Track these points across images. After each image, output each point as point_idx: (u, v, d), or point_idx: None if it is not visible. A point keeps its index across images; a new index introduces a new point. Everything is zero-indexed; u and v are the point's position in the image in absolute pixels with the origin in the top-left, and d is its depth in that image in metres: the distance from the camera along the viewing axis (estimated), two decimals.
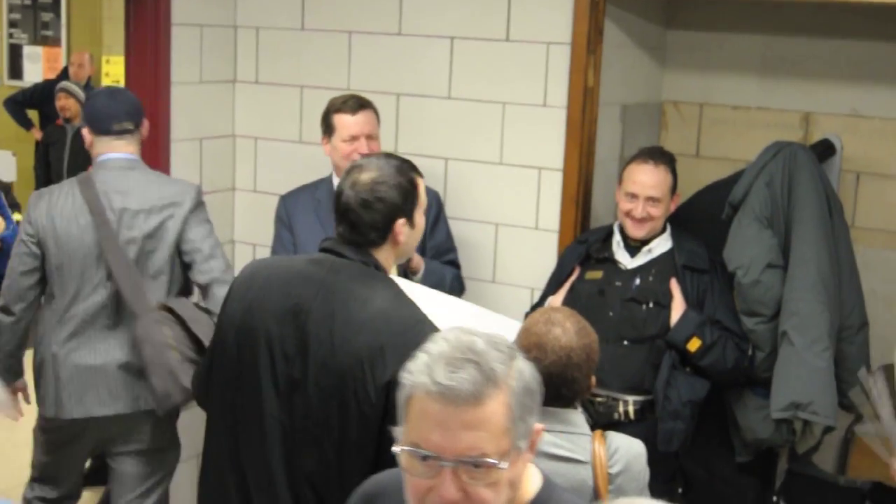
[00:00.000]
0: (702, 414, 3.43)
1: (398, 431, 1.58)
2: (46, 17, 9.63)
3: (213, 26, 4.19)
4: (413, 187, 2.54)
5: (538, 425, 1.62)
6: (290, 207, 3.69)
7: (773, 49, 4.17)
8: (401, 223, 2.50)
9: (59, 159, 7.60)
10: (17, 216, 5.05)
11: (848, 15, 3.94)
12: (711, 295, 3.49)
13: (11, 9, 9.68)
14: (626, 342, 3.43)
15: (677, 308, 3.42)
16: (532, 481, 1.69)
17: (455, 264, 3.70)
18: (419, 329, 2.28)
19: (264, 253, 4.01)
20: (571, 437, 2.38)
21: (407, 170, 2.56)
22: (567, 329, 2.44)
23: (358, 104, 3.57)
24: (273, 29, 4.21)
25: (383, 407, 2.29)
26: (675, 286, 3.45)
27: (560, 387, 2.40)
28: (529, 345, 2.41)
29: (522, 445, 1.57)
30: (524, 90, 3.80)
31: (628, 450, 2.38)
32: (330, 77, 4.11)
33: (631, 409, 3.40)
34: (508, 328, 2.98)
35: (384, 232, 2.49)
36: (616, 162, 4.02)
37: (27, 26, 9.67)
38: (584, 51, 3.67)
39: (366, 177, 2.48)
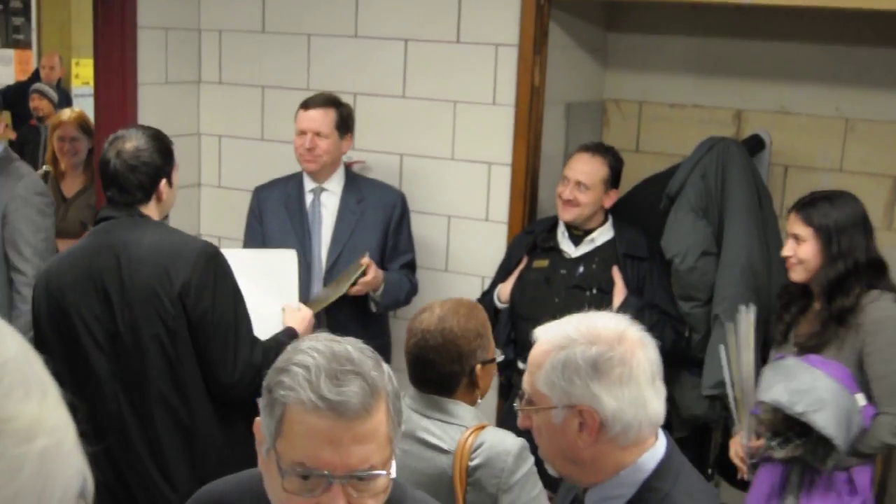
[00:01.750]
0: None
1: (265, 450, 1.50)
2: (17, 21, 9.68)
3: (178, 29, 4.29)
4: (169, 152, 2.84)
5: None
6: (262, 199, 3.79)
7: (707, 50, 4.31)
8: (163, 183, 2.80)
9: (33, 158, 7.67)
10: None
11: (775, 18, 4.08)
12: (651, 281, 3.63)
13: None
14: None
15: (618, 294, 3.55)
16: None
17: (410, 265, 3.78)
18: (190, 247, 2.69)
19: (230, 246, 4.10)
20: (445, 426, 2.35)
21: (163, 137, 2.87)
22: (433, 314, 2.39)
23: (315, 101, 3.64)
24: (235, 31, 4.32)
25: (183, 313, 2.65)
26: (616, 273, 3.58)
27: (424, 369, 2.38)
28: (406, 330, 2.48)
29: (398, 451, 1.54)
30: (474, 89, 3.94)
31: (494, 446, 2.28)
32: (290, 78, 4.22)
33: None
34: (285, 258, 3.31)
35: (149, 191, 2.79)
36: (561, 157, 4.15)
37: None
38: (531, 52, 3.82)
39: (129, 145, 2.77)
